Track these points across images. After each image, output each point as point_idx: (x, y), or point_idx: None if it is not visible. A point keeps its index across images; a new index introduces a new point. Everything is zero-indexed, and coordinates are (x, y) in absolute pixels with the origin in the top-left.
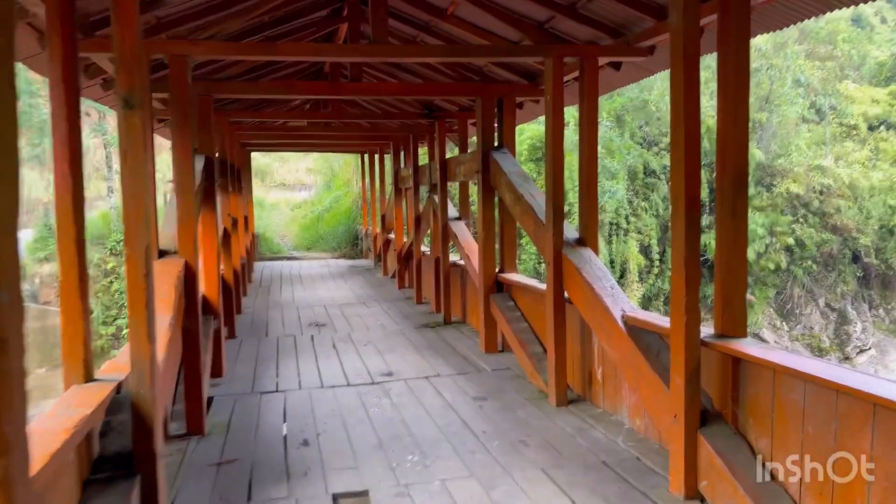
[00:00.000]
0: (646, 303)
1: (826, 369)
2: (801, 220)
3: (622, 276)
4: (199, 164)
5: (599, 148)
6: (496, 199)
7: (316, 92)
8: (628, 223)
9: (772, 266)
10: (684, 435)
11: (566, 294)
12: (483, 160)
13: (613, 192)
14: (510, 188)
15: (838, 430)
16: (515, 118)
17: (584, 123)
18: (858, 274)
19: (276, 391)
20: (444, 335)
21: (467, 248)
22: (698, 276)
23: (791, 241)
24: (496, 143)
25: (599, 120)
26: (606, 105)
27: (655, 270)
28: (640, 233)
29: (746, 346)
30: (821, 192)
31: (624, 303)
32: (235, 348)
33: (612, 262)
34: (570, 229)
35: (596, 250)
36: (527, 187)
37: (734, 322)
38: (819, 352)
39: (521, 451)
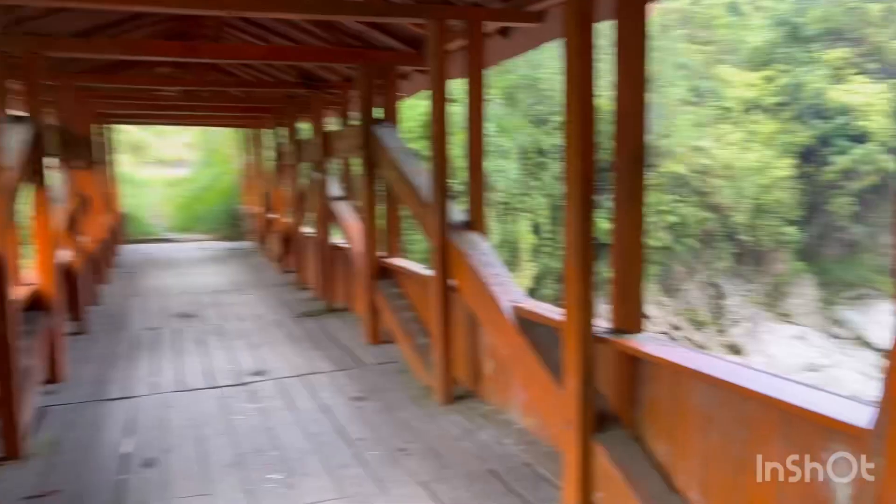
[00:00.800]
0: (538, 281)
1: (731, 371)
2: (682, 198)
3: (514, 256)
4: (22, 133)
5: (493, 126)
6: (379, 177)
7: (168, 53)
8: (520, 202)
9: (656, 244)
10: (578, 443)
11: (453, 282)
12: (364, 135)
13: (506, 172)
14: (393, 166)
15: (746, 437)
16: (399, 90)
17: (472, 97)
18: (733, 250)
19: (125, 398)
20: (326, 325)
21: (350, 230)
22: (593, 265)
23: (674, 219)
24: (379, 117)
25: (492, 97)
26: (499, 82)
27: (547, 249)
28: (531, 212)
29: (644, 344)
30: (701, 172)
31: (513, 292)
32: (85, 347)
33: (504, 241)
34: (458, 211)
35: (485, 233)
36: (411, 165)
37: (631, 316)
38: (698, 325)
39: (401, 462)
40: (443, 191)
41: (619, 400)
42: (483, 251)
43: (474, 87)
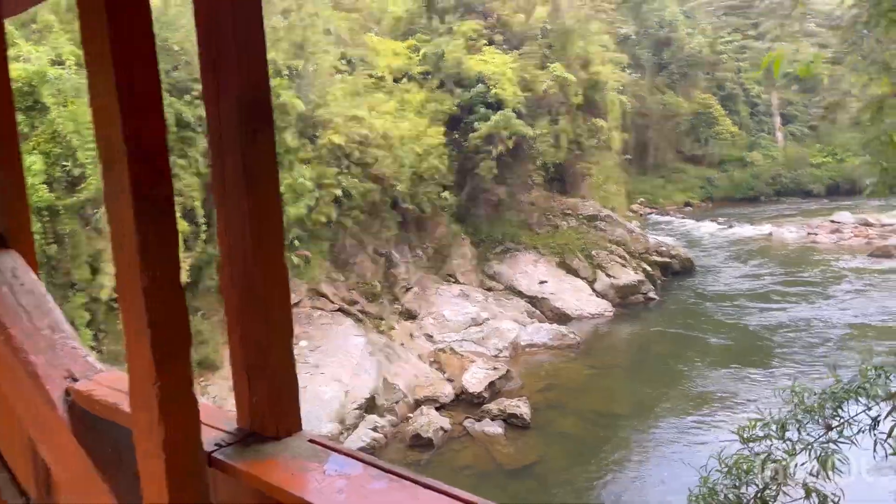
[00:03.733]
0: (196, 273)
1: None
2: (345, 170)
3: None
4: None
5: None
6: None
7: None
8: None
9: (323, 219)
10: None
11: None
12: None
13: None
14: None
15: None
16: None
17: None
18: (398, 219)
19: None
20: None
21: None
22: (185, 330)
23: (338, 192)
24: None
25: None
26: None
27: (203, 236)
28: (180, 195)
29: (299, 472)
30: (360, 143)
31: (75, 360)
32: None
33: None
34: None
35: (31, 253)
36: None
37: (274, 405)
38: (373, 297)
39: None
40: None
41: None
42: (22, 286)
43: None
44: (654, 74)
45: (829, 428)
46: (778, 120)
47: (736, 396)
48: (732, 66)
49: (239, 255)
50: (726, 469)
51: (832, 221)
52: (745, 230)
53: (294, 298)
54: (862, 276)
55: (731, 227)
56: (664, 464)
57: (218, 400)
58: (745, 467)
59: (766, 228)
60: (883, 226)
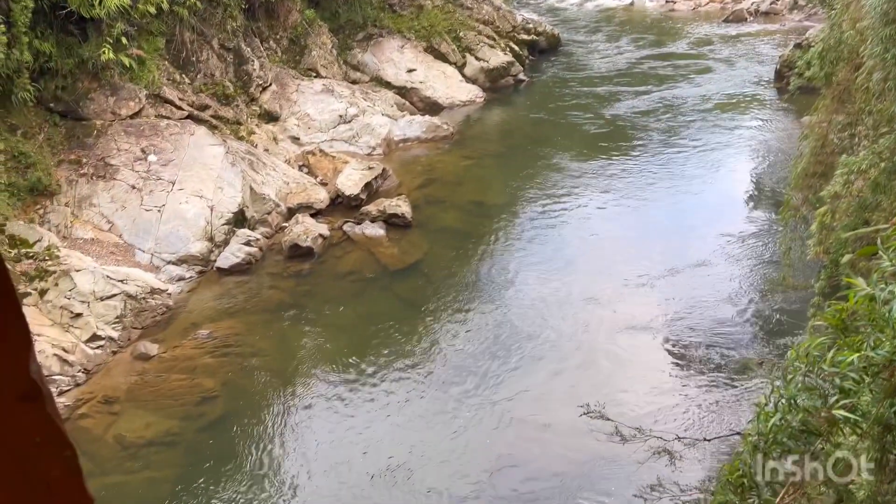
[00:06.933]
0: (4, 84)
1: None
2: None
3: None
4: None
5: None
6: None
7: None
8: None
9: (152, 9)
10: None
11: None
12: None
13: None
14: None
15: None
16: None
17: None
18: (244, 6)
19: None
20: None
21: None
22: None
23: None
24: None
25: None
26: None
27: (4, 38)
28: None
29: None
30: None
31: None
32: None
33: None
34: None
35: None
36: None
37: None
38: (226, 99)
39: None
40: None
41: None
42: None
43: None
44: None
45: None
46: None
47: (601, 184)
48: None
49: None
50: None
51: None
52: (606, 1)
53: (134, 107)
54: (721, 44)
55: None
56: (537, 249)
57: (63, 230)
58: None
59: None
60: None
